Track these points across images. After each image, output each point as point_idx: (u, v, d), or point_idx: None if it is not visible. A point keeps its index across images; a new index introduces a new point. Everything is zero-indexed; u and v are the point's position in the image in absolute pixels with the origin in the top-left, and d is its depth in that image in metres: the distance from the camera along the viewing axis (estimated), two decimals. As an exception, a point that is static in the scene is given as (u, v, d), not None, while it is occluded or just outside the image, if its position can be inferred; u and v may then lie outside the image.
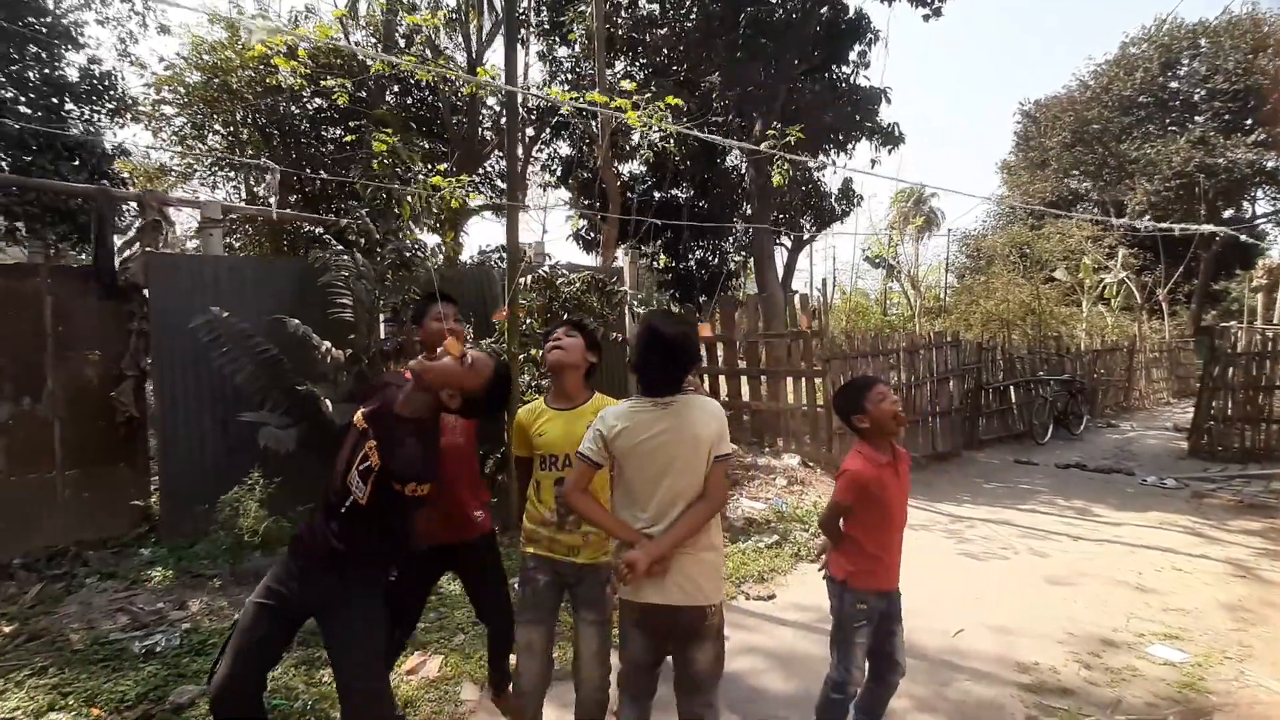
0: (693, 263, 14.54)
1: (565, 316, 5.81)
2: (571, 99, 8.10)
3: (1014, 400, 10.50)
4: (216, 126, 13.36)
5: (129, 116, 10.33)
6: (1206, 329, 15.06)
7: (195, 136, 13.76)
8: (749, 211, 11.94)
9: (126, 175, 12.22)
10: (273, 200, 4.89)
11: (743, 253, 15.19)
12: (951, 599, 4.20)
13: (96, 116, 9.80)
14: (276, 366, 4.55)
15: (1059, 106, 25.15)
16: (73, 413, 4.49)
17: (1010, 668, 3.35)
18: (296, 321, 4.40)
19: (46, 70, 9.06)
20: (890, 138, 11.56)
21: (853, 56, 11.61)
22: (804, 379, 7.79)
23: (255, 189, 15.55)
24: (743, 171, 13.13)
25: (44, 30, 8.99)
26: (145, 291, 4.61)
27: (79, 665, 3.07)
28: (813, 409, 7.69)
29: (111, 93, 9.89)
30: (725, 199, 13.74)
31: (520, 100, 12.10)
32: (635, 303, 6.33)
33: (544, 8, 11.33)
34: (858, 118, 11.11)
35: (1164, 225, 9.43)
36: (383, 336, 5.23)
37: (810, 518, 5.76)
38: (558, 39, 11.36)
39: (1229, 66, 20.38)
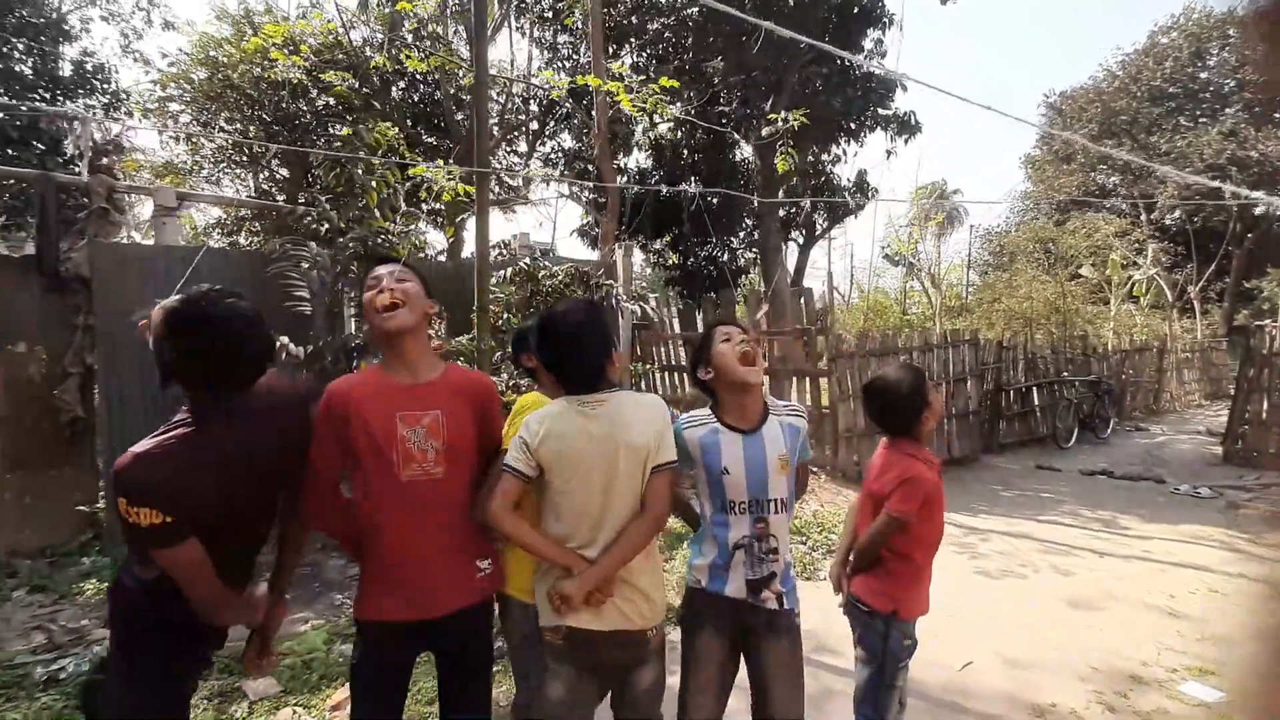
0: (701, 259, 14.11)
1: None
2: (565, 83, 7.79)
3: (1037, 402, 9.95)
4: (221, 123, 13.29)
5: (124, 110, 10.16)
6: (1241, 328, 14.30)
7: (202, 133, 13.70)
8: (756, 206, 11.49)
9: (133, 173, 12.16)
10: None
11: (753, 249, 14.74)
12: (960, 625, 3.77)
13: (91, 110, 9.65)
14: (228, 363, 4.25)
15: (1085, 98, 24.30)
16: (13, 412, 4.24)
17: (1024, 710, 2.92)
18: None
19: (37, 63, 8.93)
20: (906, 126, 11.03)
21: (867, 44, 11.13)
22: (809, 378, 7.37)
23: (264, 186, 15.53)
24: (750, 165, 12.70)
25: (35, 23, 8.85)
26: (91, 283, 4.34)
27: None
28: (817, 410, 7.26)
29: (106, 86, 9.74)
30: (734, 193, 13.29)
31: (519, 89, 11.82)
32: (624, 296, 5.95)
33: (543, -5, 11.01)
34: (871, 106, 10.60)
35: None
36: (352, 331, 4.92)
37: (810, 529, 5.34)
38: (558, 27, 11.02)
39: (1260, 57, 19.45)
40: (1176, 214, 19.29)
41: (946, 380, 8.27)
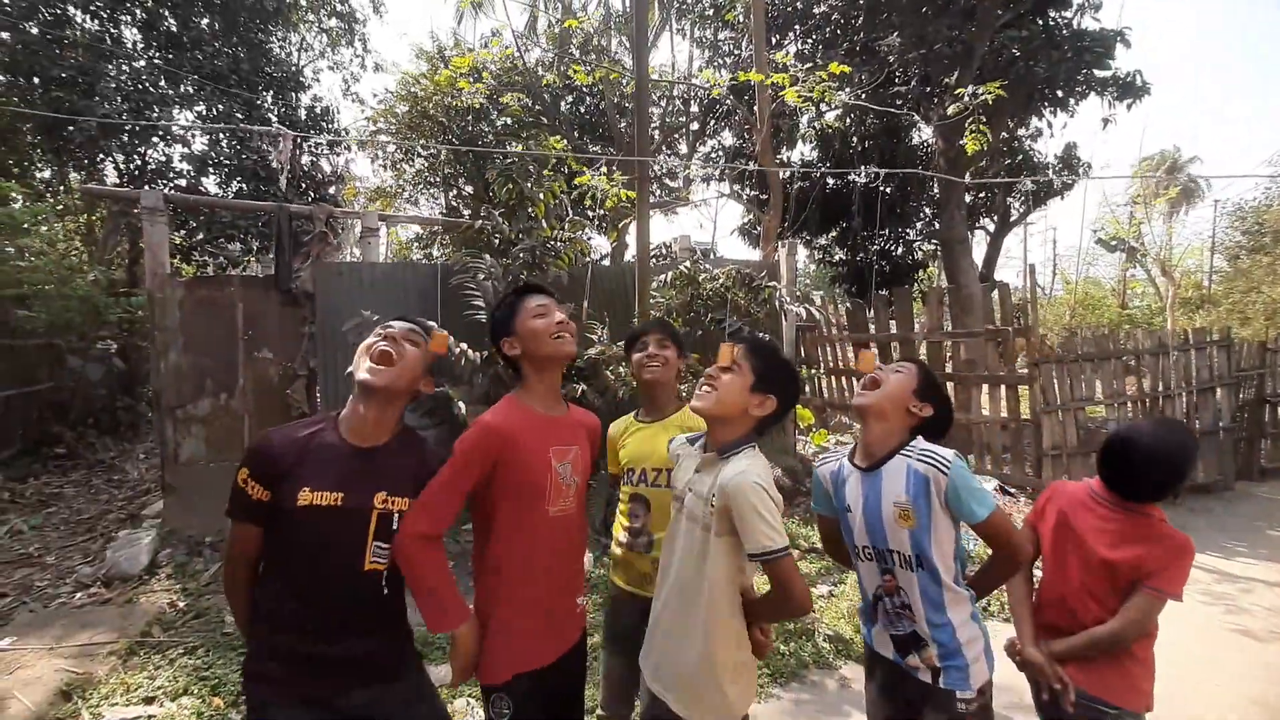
0: (872, 254, 13.17)
1: (714, 318, 5.36)
2: (725, 82, 7.63)
3: (1317, 418, 7.91)
4: (419, 149, 15.01)
5: (344, 145, 11.80)
6: None
7: (404, 160, 15.61)
8: (937, 193, 10.43)
9: (352, 198, 14.18)
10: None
11: (933, 241, 13.45)
12: (1214, 694, 3.04)
13: (319, 147, 11.32)
14: (418, 368, 4.67)
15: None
16: (259, 407, 5.02)
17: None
18: (431, 324, 4.45)
19: (281, 111, 10.63)
20: (1129, 89, 9.32)
21: (1078, -2, 9.62)
22: (1003, 386, 6.49)
23: (454, 203, 17.33)
24: (931, 147, 11.58)
25: (278, 77, 10.55)
26: (314, 297, 4.99)
27: (222, 649, 3.27)
28: (1015, 421, 6.37)
29: (330, 126, 11.35)
30: (911, 181, 12.20)
31: (680, 91, 11.84)
32: (788, 298, 5.65)
33: (705, -8, 10.91)
34: (1084, 68, 9.10)
35: None
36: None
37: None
38: (719, 23, 10.86)
39: None
40: None
41: (1188, 389, 6.84)
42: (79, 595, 4.05)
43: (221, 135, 9.77)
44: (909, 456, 1.63)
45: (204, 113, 10.05)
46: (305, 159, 10.41)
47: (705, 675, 1.56)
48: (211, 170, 10.04)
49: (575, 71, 9.49)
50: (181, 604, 3.81)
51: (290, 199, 9.13)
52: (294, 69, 11.44)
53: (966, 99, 6.57)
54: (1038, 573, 1.94)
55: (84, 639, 3.47)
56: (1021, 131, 11.11)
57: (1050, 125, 10.13)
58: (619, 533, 2.11)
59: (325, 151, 11.41)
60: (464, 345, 4.74)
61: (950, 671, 1.59)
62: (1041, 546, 1.90)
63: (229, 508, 1.50)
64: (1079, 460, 6.06)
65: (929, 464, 1.59)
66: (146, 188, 7.63)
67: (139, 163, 9.60)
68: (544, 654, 1.66)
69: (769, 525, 1.44)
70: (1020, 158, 11.52)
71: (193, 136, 10.11)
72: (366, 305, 4.77)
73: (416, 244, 16.55)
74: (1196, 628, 3.86)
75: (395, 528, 1.52)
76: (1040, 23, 9.11)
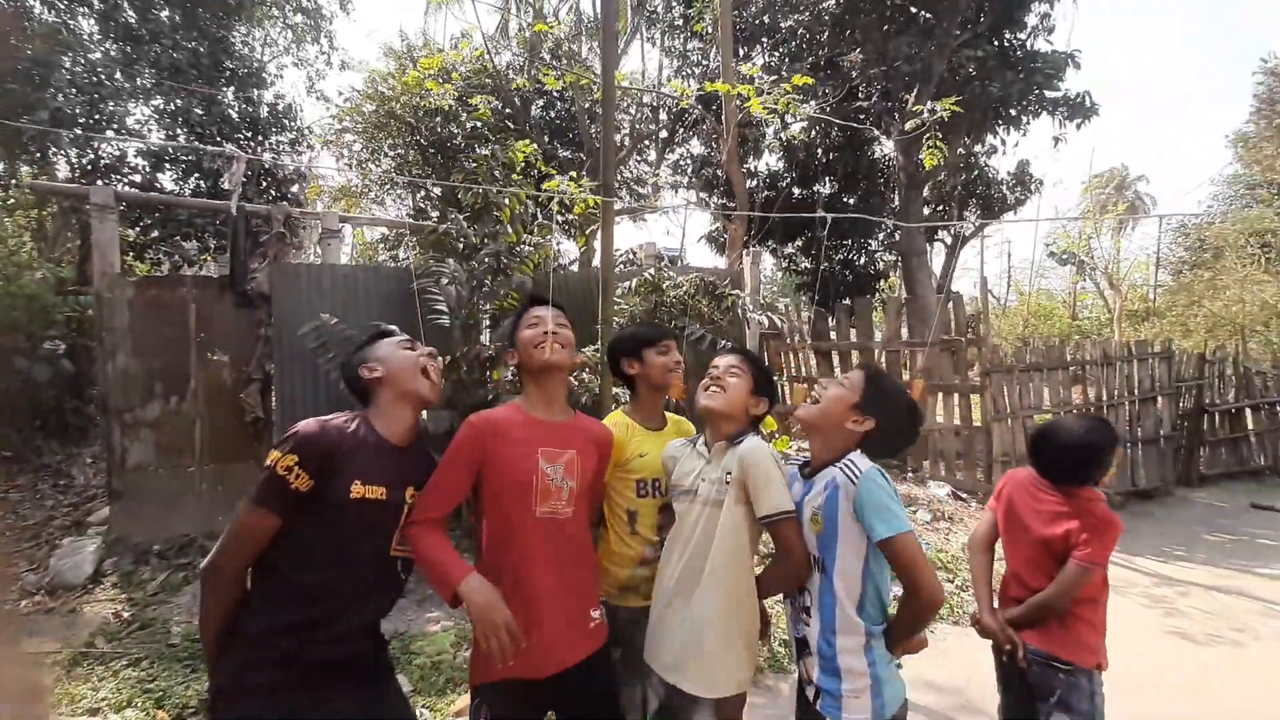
0: (836, 263, 13.45)
1: (677, 325, 5.41)
2: (694, 92, 7.74)
3: (1251, 427, 8.35)
4: (386, 149, 14.80)
5: (306, 144, 11.58)
6: None
7: (371, 160, 15.37)
8: (897, 205, 10.70)
9: (315, 197, 13.89)
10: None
11: (893, 252, 13.80)
12: (1153, 696, 3.18)
13: (281, 145, 11.08)
14: (378, 372, 4.61)
15: (1320, 58, 20.13)
16: (211, 411, 4.88)
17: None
18: (391, 328, 4.41)
19: (242, 108, 10.39)
20: (1079, 109, 9.75)
21: (1031, 20, 10.01)
22: (957, 394, 6.69)
23: (421, 204, 17.11)
24: (891, 161, 11.89)
25: (240, 74, 10.31)
26: (270, 299, 4.89)
27: (167, 661, 3.18)
28: (969, 429, 6.57)
29: (293, 124, 11.13)
30: (873, 193, 12.52)
31: (649, 99, 11.95)
32: (751, 306, 5.74)
33: (674, 3, 11.02)
34: (1035, 89, 9.49)
35: None
36: (485, 342, 5.15)
37: (959, 565, 4.79)
38: (688, 34, 11.00)
39: None
40: None
41: (1131, 398, 7.15)
42: (22, 604, 3.90)
43: (179, 130, 9.51)
44: (837, 466, 1.64)
45: (161, 107, 9.76)
46: (266, 156, 10.17)
47: (725, 644, 1.67)
48: (168, 166, 9.75)
49: (545, 75, 9.53)
50: (126, 614, 3.70)
51: (249, 198, 8.91)
52: (256, 65, 11.19)
53: (924, 115, 6.78)
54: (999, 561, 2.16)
55: (28, 648, 3.34)
56: (977, 148, 11.49)
57: (1004, 142, 10.52)
58: (640, 550, 1.93)
59: (287, 149, 11.17)
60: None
61: (825, 697, 1.57)
62: (999, 528, 2.13)
63: (257, 494, 1.44)
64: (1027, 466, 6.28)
65: (845, 473, 1.60)
66: (99, 183, 7.37)
67: (92, 157, 9.27)
68: (534, 665, 1.60)
69: (780, 489, 1.64)
70: (976, 173, 11.91)
71: (148, 131, 9.82)
72: (325, 308, 4.70)
73: (383, 245, 16.29)
74: (1136, 630, 4.03)
75: None
76: (995, 44, 9.47)
